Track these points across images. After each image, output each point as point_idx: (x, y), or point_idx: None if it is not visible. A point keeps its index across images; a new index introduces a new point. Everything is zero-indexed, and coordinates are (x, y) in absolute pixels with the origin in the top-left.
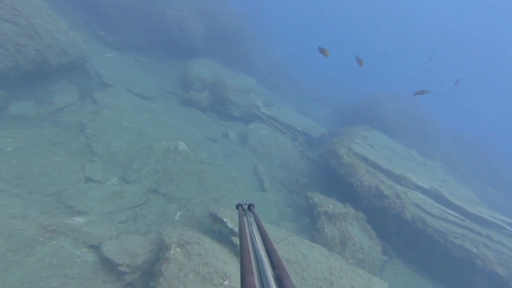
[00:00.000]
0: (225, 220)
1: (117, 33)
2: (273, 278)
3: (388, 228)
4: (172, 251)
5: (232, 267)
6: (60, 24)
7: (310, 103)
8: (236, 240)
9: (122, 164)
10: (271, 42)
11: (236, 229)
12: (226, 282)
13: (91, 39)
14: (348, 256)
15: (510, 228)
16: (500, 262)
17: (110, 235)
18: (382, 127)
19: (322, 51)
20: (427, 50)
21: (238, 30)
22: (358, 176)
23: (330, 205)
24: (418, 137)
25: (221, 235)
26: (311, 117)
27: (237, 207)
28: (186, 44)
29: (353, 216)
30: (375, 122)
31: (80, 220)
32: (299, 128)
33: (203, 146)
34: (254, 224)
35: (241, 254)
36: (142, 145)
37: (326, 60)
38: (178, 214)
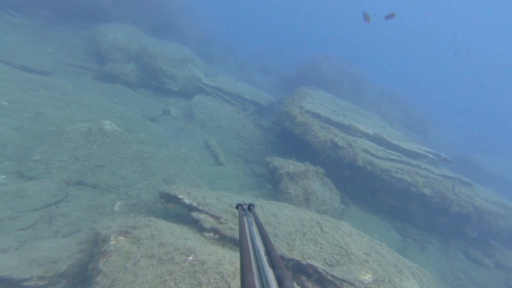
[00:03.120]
0: (180, 196)
1: None
2: (273, 278)
3: (343, 178)
4: (112, 242)
5: (196, 242)
6: None
7: (253, 74)
8: (196, 214)
9: (13, 157)
10: (200, 8)
11: (195, 204)
12: (190, 258)
13: None
14: (313, 210)
15: (432, 156)
16: (426, 185)
17: (4, 248)
18: (323, 86)
19: (365, 16)
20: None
21: None
22: (313, 132)
23: (290, 166)
24: (352, 91)
25: (178, 216)
26: (257, 87)
27: (237, 207)
28: (86, 1)
29: (313, 172)
30: (316, 83)
31: None
32: (247, 97)
33: (140, 126)
34: (254, 224)
35: (241, 254)
36: (44, 130)
37: (263, 30)
38: (118, 204)
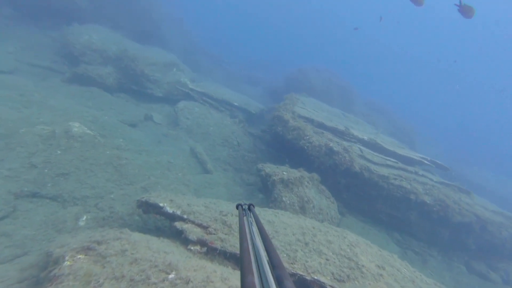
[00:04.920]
0: (161, 205)
1: None
2: (273, 278)
3: (338, 186)
4: (67, 262)
5: (179, 256)
6: None
7: (240, 85)
8: (180, 225)
9: None
10: (187, 19)
11: (179, 212)
12: (171, 276)
13: None
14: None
15: (428, 163)
16: (426, 192)
17: None
18: (312, 96)
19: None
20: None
21: None
22: (307, 137)
23: (284, 172)
24: (341, 102)
25: (159, 230)
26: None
27: (237, 207)
28: (59, 0)
29: (309, 179)
30: (305, 93)
31: None
32: (236, 104)
33: (117, 131)
34: (254, 224)
35: (241, 254)
36: None
37: (251, 44)
38: (85, 218)
